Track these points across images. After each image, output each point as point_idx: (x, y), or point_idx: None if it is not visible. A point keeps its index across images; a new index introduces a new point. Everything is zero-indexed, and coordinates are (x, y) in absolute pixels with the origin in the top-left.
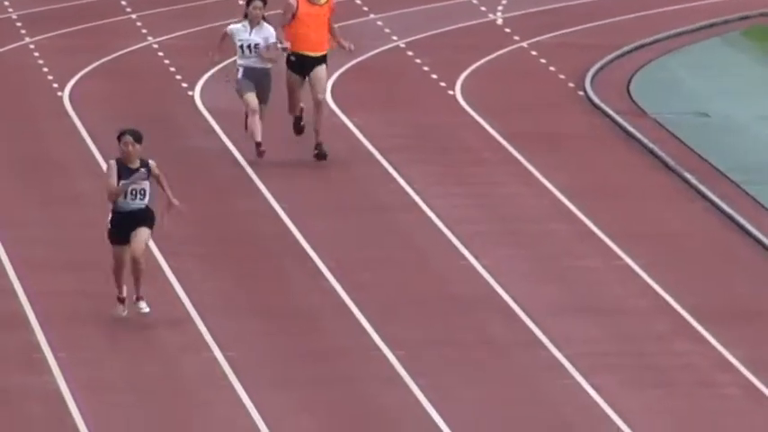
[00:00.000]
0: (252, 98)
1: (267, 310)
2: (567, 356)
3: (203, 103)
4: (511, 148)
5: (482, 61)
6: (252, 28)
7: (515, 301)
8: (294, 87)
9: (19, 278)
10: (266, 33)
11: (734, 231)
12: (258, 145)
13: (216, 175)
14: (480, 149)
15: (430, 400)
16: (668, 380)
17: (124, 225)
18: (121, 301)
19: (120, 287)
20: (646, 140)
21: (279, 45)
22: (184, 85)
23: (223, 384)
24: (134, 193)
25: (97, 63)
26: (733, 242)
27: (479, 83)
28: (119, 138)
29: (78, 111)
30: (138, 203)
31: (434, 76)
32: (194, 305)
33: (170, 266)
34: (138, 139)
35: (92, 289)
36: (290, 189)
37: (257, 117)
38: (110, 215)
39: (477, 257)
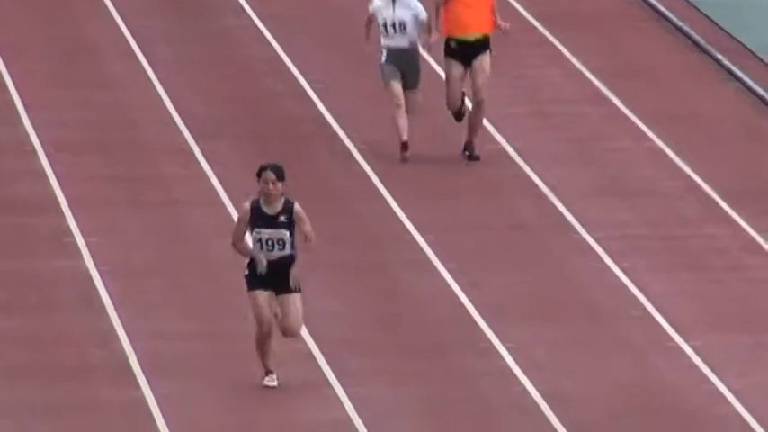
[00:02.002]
0: (397, 88)
1: (296, 191)
2: (597, 240)
3: None
4: (542, 29)
5: None
6: (394, 2)
7: (546, 184)
8: (452, 78)
9: (50, 161)
10: (414, 8)
11: (766, 113)
12: (404, 145)
13: (246, 54)
14: (511, 31)
15: (459, 285)
16: (698, 263)
17: (267, 273)
18: (269, 372)
19: (264, 357)
20: (677, 20)
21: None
22: None
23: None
24: (270, 243)
25: None
26: (765, 124)
27: None
28: (258, 174)
29: None
30: (279, 253)
31: None
32: (224, 187)
33: (200, 148)
34: (280, 176)
35: (122, 172)
36: (320, 69)
37: (402, 110)
38: (248, 259)
39: (508, 140)
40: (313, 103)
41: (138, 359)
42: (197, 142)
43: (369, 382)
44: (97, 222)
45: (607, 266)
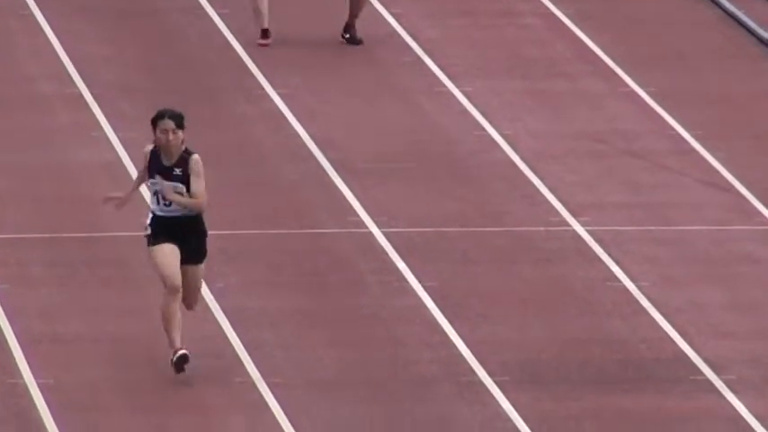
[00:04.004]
0: None
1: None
2: None
3: None
4: None
5: None
6: None
7: None
8: None
9: None
10: None
11: None
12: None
13: None
14: None
15: (230, 30)
16: (468, 9)
17: (168, 229)
18: (177, 351)
19: (171, 330)
20: None
21: None
22: None
23: (24, 14)
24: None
25: None
26: None
27: None
28: (153, 122)
29: None
30: (176, 209)
31: None
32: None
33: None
34: (180, 123)
35: None
36: None
37: None
38: (149, 216)
39: None
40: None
41: None
42: None
43: (138, 127)
44: None
45: (378, 12)
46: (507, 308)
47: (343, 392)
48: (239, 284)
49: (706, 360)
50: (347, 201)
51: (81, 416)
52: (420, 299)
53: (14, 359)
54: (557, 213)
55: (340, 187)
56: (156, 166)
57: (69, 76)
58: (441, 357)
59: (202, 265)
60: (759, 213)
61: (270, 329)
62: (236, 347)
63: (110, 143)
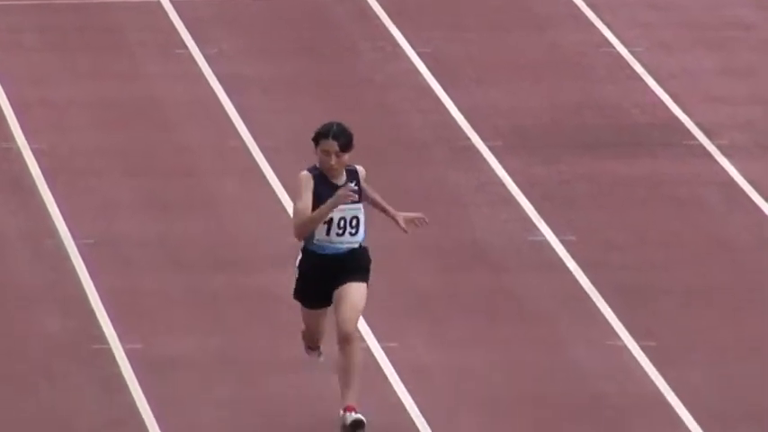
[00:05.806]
0: None
1: None
2: None
3: None
4: None
5: None
6: None
7: None
8: None
9: None
10: None
11: None
12: None
13: None
14: None
15: None
16: None
17: (323, 276)
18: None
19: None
20: None
21: None
22: None
23: None
24: (342, 224)
25: None
26: None
27: None
28: (315, 139)
29: None
30: (348, 241)
31: None
32: None
33: None
34: (346, 144)
35: None
36: None
37: None
38: (299, 258)
39: None
40: None
41: None
42: None
43: None
44: None
45: None
46: (500, 73)
47: None
48: (233, 50)
49: (698, 125)
50: None
51: (73, 180)
52: (413, 64)
53: (7, 124)
54: None
55: None
56: (325, 190)
57: None
58: (434, 122)
59: (364, 285)
60: None
61: (262, 95)
62: (228, 112)
63: None
